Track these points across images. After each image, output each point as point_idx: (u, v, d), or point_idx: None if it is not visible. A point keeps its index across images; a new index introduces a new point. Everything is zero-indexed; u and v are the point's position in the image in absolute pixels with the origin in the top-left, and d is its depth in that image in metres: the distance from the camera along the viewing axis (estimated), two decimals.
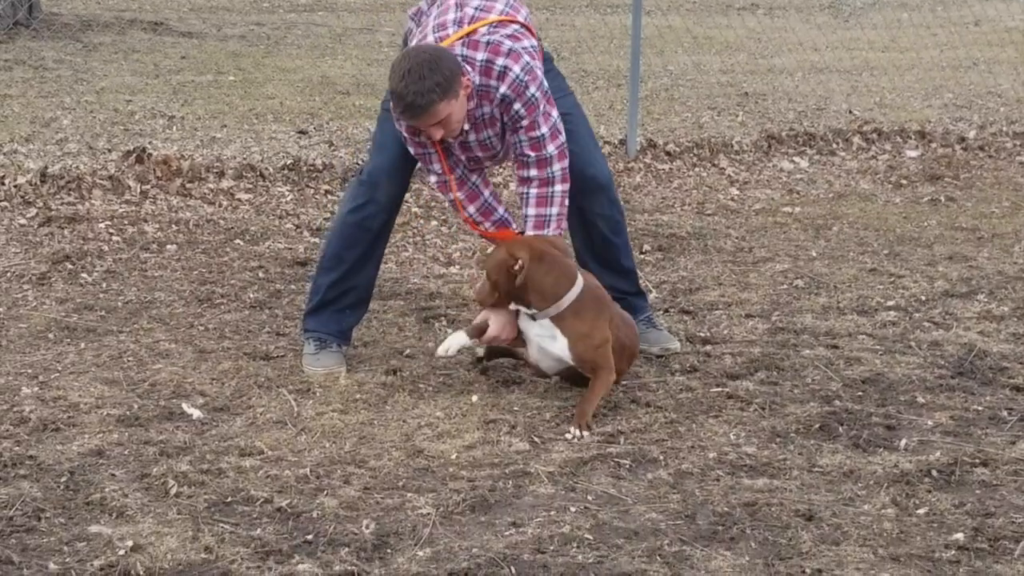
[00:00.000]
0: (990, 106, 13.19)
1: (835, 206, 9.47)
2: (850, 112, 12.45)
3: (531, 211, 5.60)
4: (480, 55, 5.42)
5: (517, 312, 5.52)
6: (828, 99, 13.07)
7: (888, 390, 5.76)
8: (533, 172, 5.58)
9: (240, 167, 9.12)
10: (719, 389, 5.74)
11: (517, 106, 5.47)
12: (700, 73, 13.90)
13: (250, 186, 8.96)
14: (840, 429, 5.30)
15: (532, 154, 5.56)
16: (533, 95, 5.46)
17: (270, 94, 12.01)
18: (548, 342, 5.45)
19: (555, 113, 5.55)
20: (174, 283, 7.08)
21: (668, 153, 10.43)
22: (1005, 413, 5.53)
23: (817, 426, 5.32)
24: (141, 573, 4.05)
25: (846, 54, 15.36)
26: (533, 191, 5.59)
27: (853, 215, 9.18)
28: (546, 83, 5.54)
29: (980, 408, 5.58)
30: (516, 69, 5.43)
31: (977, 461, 5.00)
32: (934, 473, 4.88)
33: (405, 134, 5.59)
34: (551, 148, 5.53)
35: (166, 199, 8.52)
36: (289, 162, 9.34)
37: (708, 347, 6.26)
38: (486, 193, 5.74)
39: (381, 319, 6.53)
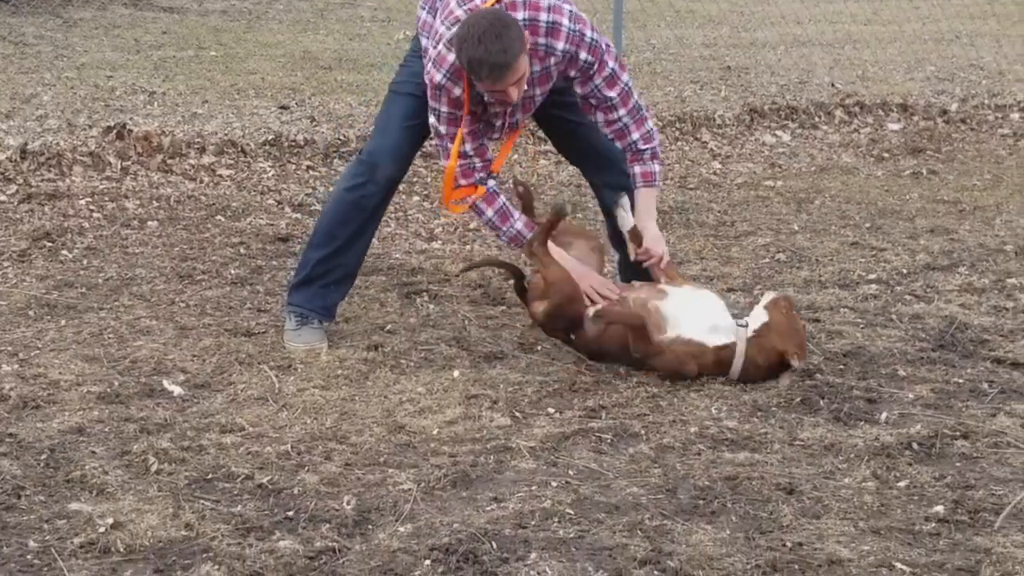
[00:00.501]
0: (972, 79, 13.20)
1: (817, 179, 9.48)
2: (832, 85, 12.45)
3: (641, 168, 5.69)
4: (521, 14, 5.38)
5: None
6: (810, 72, 13.06)
7: (869, 363, 5.77)
8: (621, 111, 5.59)
9: (221, 143, 9.09)
10: None
11: (583, 55, 5.47)
12: (682, 47, 13.89)
13: (231, 162, 8.93)
14: (821, 403, 5.30)
15: (613, 93, 5.55)
16: (592, 39, 5.48)
17: (251, 69, 11.98)
18: None
19: (610, 43, 5.60)
20: (155, 260, 7.06)
21: None
22: (986, 386, 5.54)
23: (798, 400, 5.33)
24: (121, 550, 4.04)
25: (828, 27, 15.36)
26: (635, 136, 5.63)
27: (835, 188, 9.18)
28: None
29: (961, 381, 5.59)
30: (565, 21, 5.41)
31: (958, 434, 5.00)
32: (915, 446, 4.89)
33: (456, 112, 5.48)
34: (625, 78, 5.57)
35: (147, 175, 8.49)
36: (271, 138, 9.32)
37: None
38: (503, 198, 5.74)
39: (363, 295, 6.52)
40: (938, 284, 6.91)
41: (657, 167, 5.72)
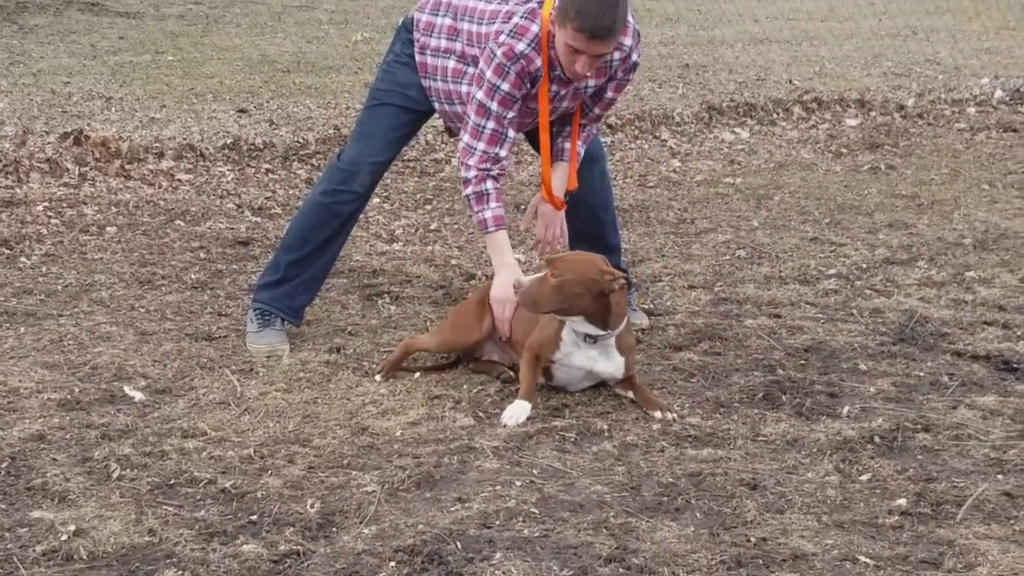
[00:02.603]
0: (928, 74, 13.26)
1: (776, 176, 9.50)
2: (790, 82, 12.49)
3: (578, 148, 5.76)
4: None
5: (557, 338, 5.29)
6: (768, 69, 13.10)
7: (830, 358, 5.79)
8: (594, 129, 5.83)
9: (180, 147, 9.06)
10: (663, 361, 5.75)
11: (635, 56, 5.58)
12: (641, 45, 13.90)
13: (190, 166, 8.90)
14: (783, 398, 5.32)
15: (604, 113, 5.80)
16: (639, 39, 5.60)
17: (209, 73, 11.94)
18: (603, 363, 5.25)
19: None
20: (114, 265, 7.03)
21: (609, 126, 10.43)
22: (946, 378, 5.56)
23: (760, 395, 5.35)
24: (84, 557, 4.02)
25: (786, 24, 15.42)
26: (581, 139, 5.76)
27: (794, 184, 9.21)
28: None
29: (921, 374, 5.61)
30: (630, 17, 5.45)
31: (919, 427, 5.03)
32: (876, 439, 4.91)
33: (516, 93, 5.44)
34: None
35: (105, 181, 8.45)
36: (229, 141, 9.29)
37: (652, 319, 6.26)
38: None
39: (324, 297, 6.50)
40: (898, 278, 6.94)
41: (581, 150, 5.79)
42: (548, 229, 5.80)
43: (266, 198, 8.41)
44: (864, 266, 7.17)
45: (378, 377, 5.51)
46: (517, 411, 5.11)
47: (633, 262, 7.18)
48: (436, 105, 5.78)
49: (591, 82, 5.54)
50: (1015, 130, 11.22)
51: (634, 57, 5.56)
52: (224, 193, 8.48)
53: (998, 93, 12.38)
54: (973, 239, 7.71)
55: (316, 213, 5.87)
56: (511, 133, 5.52)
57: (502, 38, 5.36)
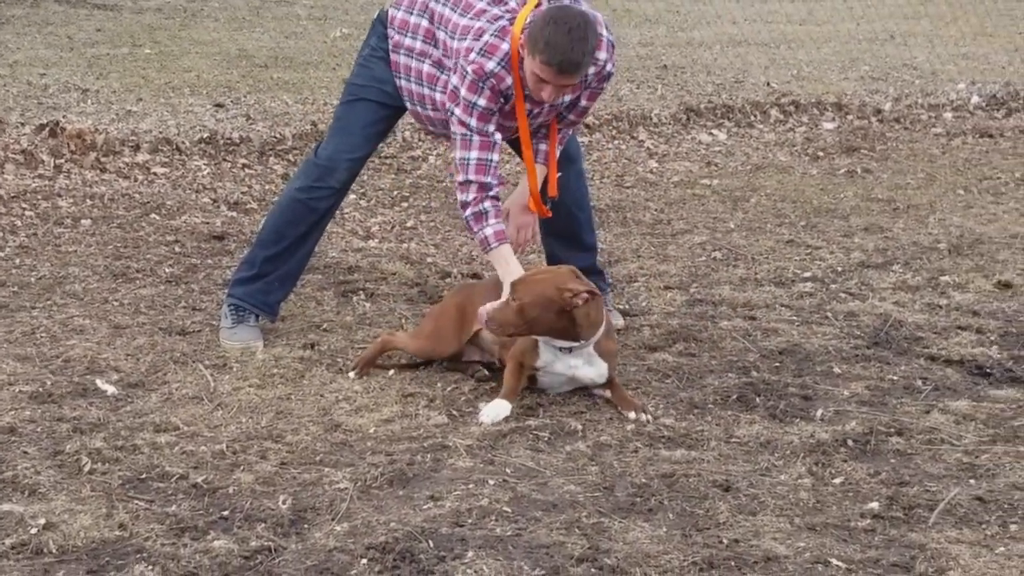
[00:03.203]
0: (905, 78, 13.29)
1: (753, 178, 9.51)
2: (768, 85, 12.50)
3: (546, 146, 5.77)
4: None
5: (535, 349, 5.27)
6: (746, 72, 13.11)
7: (805, 361, 5.79)
8: (570, 131, 5.88)
9: (156, 141, 9.03)
10: (638, 361, 5.75)
11: (610, 67, 5.58)
12: (619, 46, 13.82)
13: (166, 160, 8.87)
14: (757, 400, 5.32)
15: (580, 120, 5.83)
16: (614, 51, 5.62)
17: (187, 67, 11.90)
18: (584, 369, 5.24)
19: None
20: (88, 258, 7.00)
21: (587, 126, 10.43)
22: (920, 383, 5.57)
23: (734, 397, 5.35)
24: (54, 551, 3.99)
25: (764, 27, 15.43)
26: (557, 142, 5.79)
27: (771, 187, 9.22)
28: None
29: (895, 378, 5.62)
30: (603, 31, 5.47)
31: (892, 430, 5.03)
32: (850, 443, 4.91)
33: (492, 107, 5.43)
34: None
35: (80, 173, 8.42)
36: (206, 135, 9.26)
37: (627, 319, 6.26)
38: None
39: (299, 293, 6.48)
40: (872, 282, 6.95)
41: (557, 152, 5.81)
42: (521, 231, 5.81)
43: (242, 193, 8.38)
44: (839, 269, 7.18)
45: (352, 374, 5.50)
46: (495, 410, 5.10)
47: (609, 262, 7.18)
48: (408, 106, 5.77)
49: (566, 97, 5.55)
50: (991, 136, 11.25)
51: (608, 68, 5.56)
52: (200, 187, 8.46)
53: (975, 99, 12.40)
54: (948, 244, 7.73)
55: (292, 209, 5.85)
56: (498, 137, 5.50)
57: (472, 56, 5.35)
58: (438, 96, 5.58)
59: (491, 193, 5.46)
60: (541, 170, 5.74)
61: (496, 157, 5.47)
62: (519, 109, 5.47)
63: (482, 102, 5.38)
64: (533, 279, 5.21)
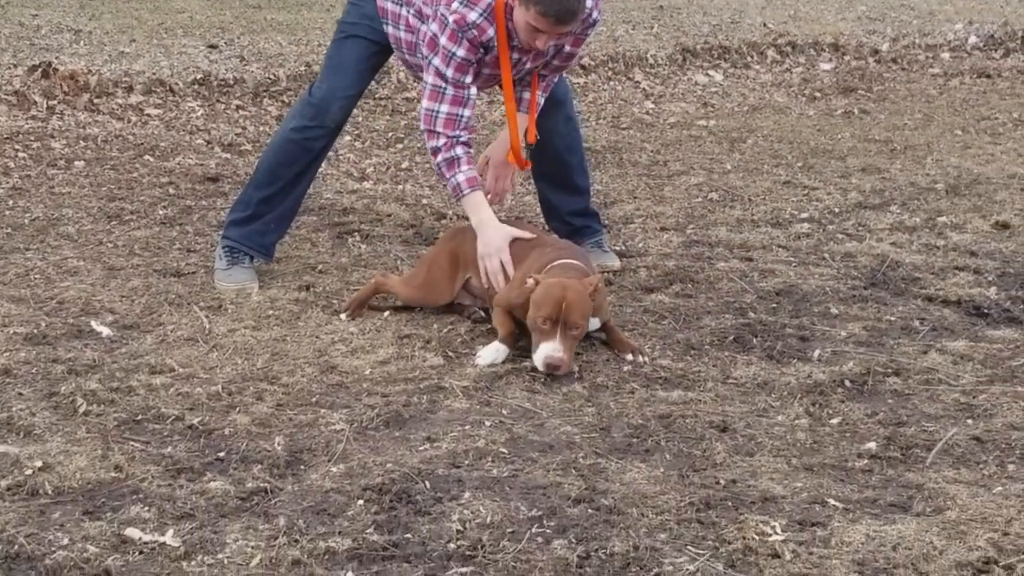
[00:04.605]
0: (903, 19, 13.23)
1: (749, 119, 9.47)
2: (764, 25, 12.44)
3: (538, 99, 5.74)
4: None
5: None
6: (742, 12, 13.04)
7: (802, 301, 5.78)
8: (555, 79, 5.82)
9: (149, 82, 8.98)
10: (634, 302, 5.74)
11: (595, 14, 5.53)
12: (602, 2, 13.82)
13: (160, 101, 8.82)
14: (754, 341, 5.31)
15: (565, 66, 5.76)
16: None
17: (180, 8, 11.83)
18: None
19: None
20: (82, 200, 6.97)
21: (583, 67, 10.38)
22: (917, 323, 5.56)
23: (731, 338, 5.33)
24: (50, 492, 3.98)
25: None
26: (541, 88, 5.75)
27: (767, 128, 9.18)
28: None
29: (892, 318, 5.61)
30: None
31: (889, 371, 5.02)
32: (847, 383, 4.90)
33: (471, 58, 5.37)
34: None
35: (73, 115, 8.37)
36: (199, 77, 9.21)
37: (624, 260, 6.24)
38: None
39: (294, 235, 6.46)
40: (870, 223, 6.93)
41: (541, 99, 5.78)
42: (499, 181, 5.80)
43: (236, 134, 8.35)
44: (836, 210, 7.16)
45: (344, 315, 5.48)
46: (492, 352, 5.07)
47: (605, 204, 7.15)
48: (396, 53, 5.75)
49: (553, 45, 5.50)
50: (988, 76, 11.21)
51: (595, 15, 5.52)
52: (194, 129, 8.42)
53: (972, 39, 12.35)
54: (945, 184, 7.71)
55: (286, 150, 5.82)
56: (473, 92, 5.45)
57: (455, 5, 5.31)
58: (419, 44, 5.55)
59: (462, 140, 5.42)
60: (523, 119, 5.70)
61: (467, 112, 5.43)
62: (503, 60, 5.43)
63: (461, 52, 5.34)
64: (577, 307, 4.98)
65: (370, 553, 3.65)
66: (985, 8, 13.91)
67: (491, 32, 5.32)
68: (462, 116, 5.41)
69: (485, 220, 5.41)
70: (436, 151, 5.43)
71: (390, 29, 5.66)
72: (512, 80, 5.54)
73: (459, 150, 5.41)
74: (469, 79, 5.40)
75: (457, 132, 5.40)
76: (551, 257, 5.25)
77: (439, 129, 5.39)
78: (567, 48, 5.60)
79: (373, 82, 6.30)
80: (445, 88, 5.38)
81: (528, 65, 5.56)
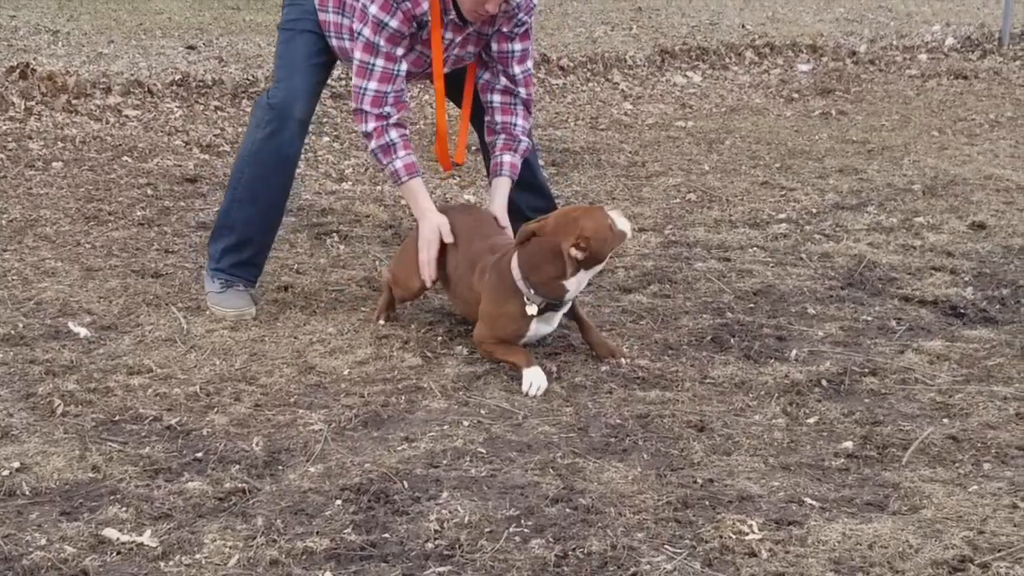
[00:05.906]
0: (880, 20, 13.27)
1: (727, 120, 9.49)
2: (743, 27, 12.47)
3: (511, 158, 5.53)
4: None
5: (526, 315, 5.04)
6: (721, 14, 13.07)
7: (779, 302, 5.79)
8: (521, 90, 5.53)
9: (128, 83, 8.98)
10: (612, 302, 5.75)
11: (523, 15, 5.35)
12: None
13: (138, 102, 8.81)
14: (732, 341, 5.32)
15: (518, 69, 5.49)
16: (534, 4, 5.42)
17: (158, 9, 11.81)
18: (559, 316, 5.12)
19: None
20: (60, 201, 6.95)
21: (561, 68, 10.39)
22: (894, 323, 5.58)
23: (709, 338, 5.34)
24: (27, 493, 3.98)
25: None
26: (520, 120, 5.56)
27: (745, 129, 9.20)
28: None
29: (869, 318, 5.63)
30: None
31: (866, 370, 5.04)
32: (824, 383, 4.92)
33: (404, 30, 5.21)
34: (529, 64, 5.49)
35: (51, 116, 8.36)
36: (178, 78, 9.21)
37: None
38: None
39: None
40: (847, 223, 6.95)
41: (519, 162, 5.58)
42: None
43: (215, 135, 8.34)
44: (814, 211, 7.18)
45: (381, 322, 5.43)
46: (534, 377, 4.88)
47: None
48: (332, 40, 5.53)
49: (492, 27, 5.39)
50: (965, 77, 11.25)
51: (522, 17, 5.37)
52: (172, 130, 8.41)
53: (949, 40, 12.39)
54: (922, 185, 7.74)
55: (261, 160, 5.54)
56: (403, 68, 5.31)
57: None
58: (353, 23, 5.38)
59: (392, 121, 5.32)
60: (504, 185, 5.53)
61: (393, 88, 5.29)
62: (435, 38, 5.28)
63: (394, 23, 5.19)
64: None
65: (348, 553, 3.65)
66: (962, 10, 13.96)
67: (425, 6, 5.17)
68: (388, 93, 5.27)
69: (425, 210, 5.34)
70: (368, 136, 5.32)
71: (323, 15, 5.49)
72: (442, 59, 5.39)
73: (393, 134, 5.31)
74: (400, 51, 5.26)
75: (384, 109, 5.28)
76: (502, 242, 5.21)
77: (366, 107, 5.27)
78: (517, 46, 5.45)
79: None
80: (373, 64, 5.24)
81: (460, 50, 5.44)
